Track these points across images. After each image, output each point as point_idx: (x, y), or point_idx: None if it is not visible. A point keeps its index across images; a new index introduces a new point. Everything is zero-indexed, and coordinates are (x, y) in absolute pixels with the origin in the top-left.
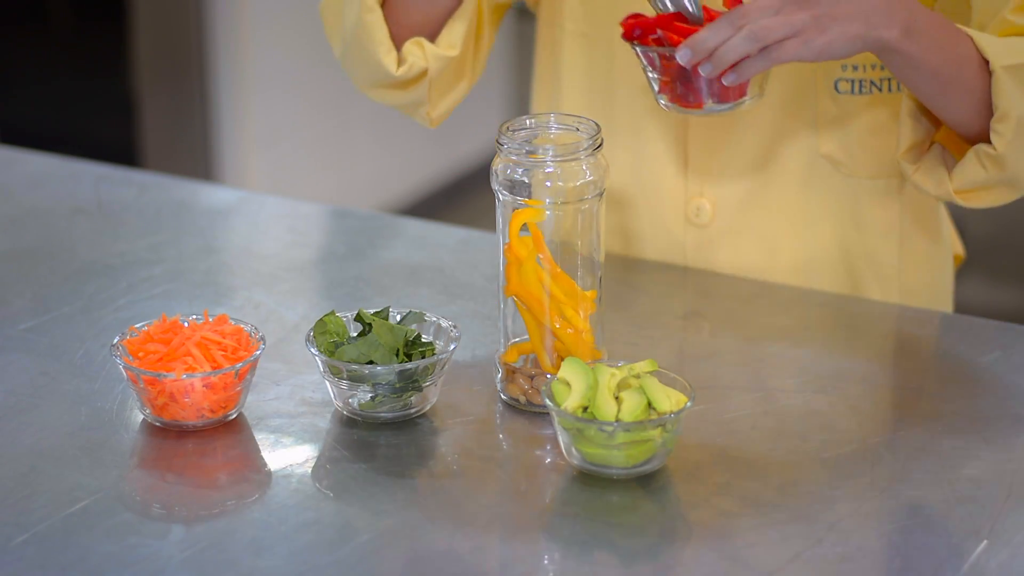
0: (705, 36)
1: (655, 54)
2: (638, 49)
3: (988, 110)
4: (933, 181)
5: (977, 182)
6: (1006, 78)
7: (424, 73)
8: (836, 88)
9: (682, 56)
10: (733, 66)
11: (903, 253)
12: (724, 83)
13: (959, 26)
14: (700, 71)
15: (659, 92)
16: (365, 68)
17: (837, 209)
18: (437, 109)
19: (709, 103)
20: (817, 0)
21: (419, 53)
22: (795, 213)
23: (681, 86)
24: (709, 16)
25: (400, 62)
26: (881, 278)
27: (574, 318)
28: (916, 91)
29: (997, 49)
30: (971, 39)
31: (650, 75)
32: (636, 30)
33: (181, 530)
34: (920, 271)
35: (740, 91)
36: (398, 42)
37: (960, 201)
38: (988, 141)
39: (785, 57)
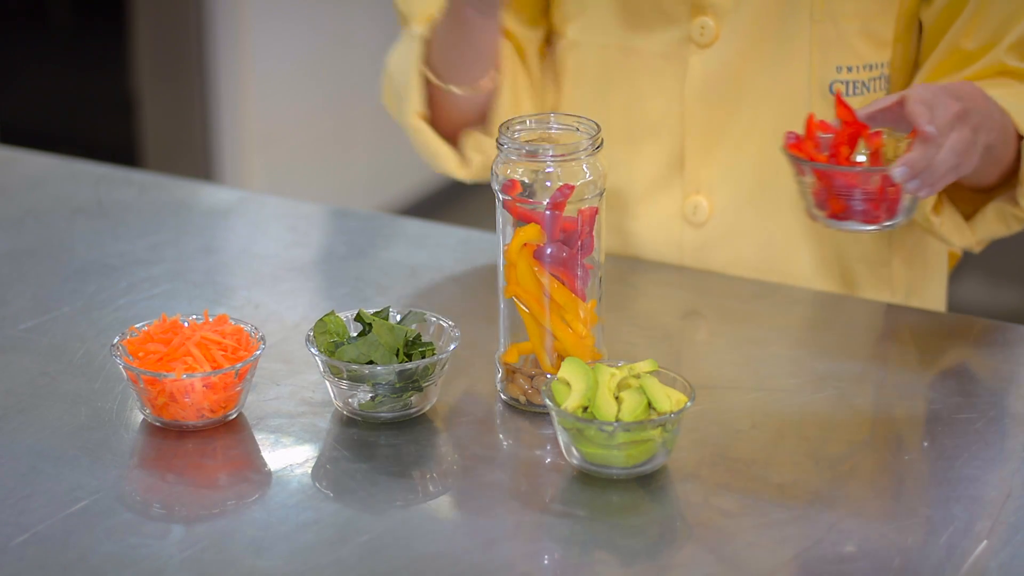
0: (919, 155)
1: (809, 168)
2: (807, 166)
3: (1010, 173)
4: (958, 234)
5: (997, 235)
6: None
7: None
8: (830, 90)
9: (899, 174)
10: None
11: (896, 253)
12: (920, 196)
13: (993, 98)
14: (907, 188)
15: (816, 207)
16: (429, 160)
17: None
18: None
19: (856, 222)
20: (967, 116)
21: (478, 149)
22: (791, 214)
23: (833, 201)
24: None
25: (463, 162)
26: (875, 278)
27: (575, 323)
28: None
29: None
30: (1007, 114)
31: (807, 189)
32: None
33: (181, 530)
34: (914, 271)
35: (892, 211)
36: (454, 133)
37: (976, 250)
38: (996, 189)
39: (964, 171)
